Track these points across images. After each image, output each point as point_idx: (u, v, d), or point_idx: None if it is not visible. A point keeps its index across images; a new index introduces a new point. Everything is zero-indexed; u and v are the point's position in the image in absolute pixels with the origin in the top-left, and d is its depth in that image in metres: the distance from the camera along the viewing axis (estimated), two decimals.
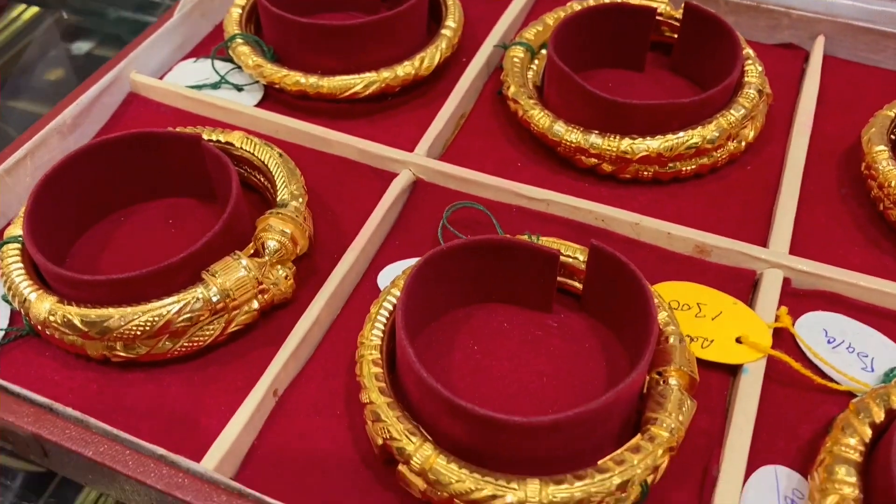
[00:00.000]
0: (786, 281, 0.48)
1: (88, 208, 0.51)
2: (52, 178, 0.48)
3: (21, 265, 0.45)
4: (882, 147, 0.51)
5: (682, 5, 0.60)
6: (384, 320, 0.43)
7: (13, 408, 0.40)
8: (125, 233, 0.51)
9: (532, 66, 0.60)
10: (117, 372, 0.45)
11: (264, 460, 0.42)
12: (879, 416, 0.39)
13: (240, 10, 0.62)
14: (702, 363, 0.44)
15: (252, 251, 0.46)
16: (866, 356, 0.45)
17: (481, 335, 0.46)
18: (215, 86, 0.60)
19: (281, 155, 0.50)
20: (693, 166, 0.54)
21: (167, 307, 0.42)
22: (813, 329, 0.46)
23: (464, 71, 0.61)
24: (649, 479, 0.38)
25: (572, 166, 0.55)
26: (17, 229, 0.47)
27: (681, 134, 0.52)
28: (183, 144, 0.50)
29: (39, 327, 0.44)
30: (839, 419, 0.40)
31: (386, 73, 0.57)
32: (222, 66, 0.61)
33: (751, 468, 0.40)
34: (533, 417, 0.37)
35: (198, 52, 0.65)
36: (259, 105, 0.60)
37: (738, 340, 0.45)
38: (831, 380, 0.44)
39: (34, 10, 0.88)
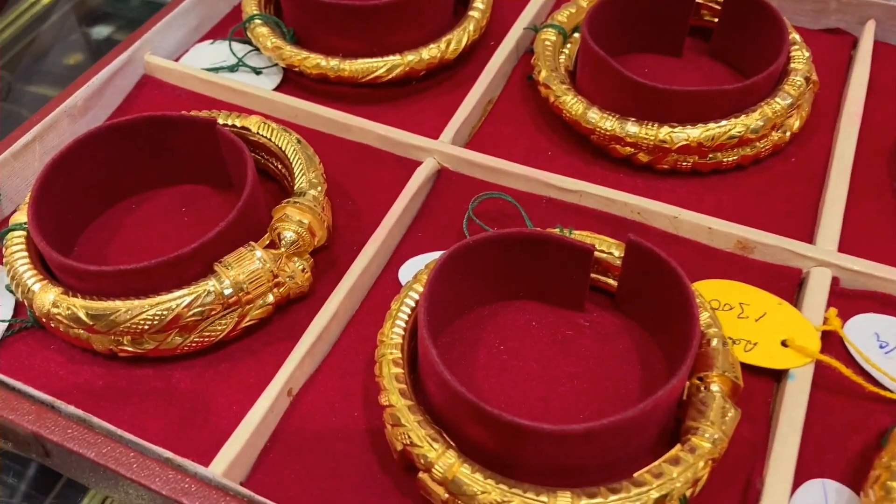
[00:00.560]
0: (834, 280, 0.45)
1: (98, 195, 0.49)
2: (59, 163, 0.45)
3: (25, 254, 0.43)
4: None
5: None
6: (405, 317, 0.41)
7: (13, 405, 0.38)
8: (136, 221, 0.49)
9: (564, 49, 0.57)
10: (124, 367, 0.43)
11: (277, 464, 0.39)
12: None
13: None
14: (744, 367, 0.41)
15: (267, 242, 0.43)
16: None
17: (508, 334, 0.44)
18: (232, 68, 0.58)
19: (299, 141, 0.48)
20: (735, 157, 0.51)
21: (177, 300, 0.40)
22: (864, 332, 0.43)
23: (491, 54, 0.59)
24: (688, 493, 0.36)
25: (606, 156, 0.52)
26: (22, 216, 0.45)
27: (723, 123, 0.49)
28: (197, 129, 0.48)
29: (44, 319, 0.42)
30: (895, 431, 0.37)
31: (410, 57, 0.55)
32: (240, 49, 0.59)
33: (797, 482, 0.38)
34: (564, 425, 0.34)
35: (215, 33, 0.62)
36: (278, 89, 0.57)
37: (784, 344, 0.42)
38: (884, 387, 0.41)
39: None
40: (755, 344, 0.42)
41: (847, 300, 0.44)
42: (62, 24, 0.86)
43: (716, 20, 0.59)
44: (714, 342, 0.39)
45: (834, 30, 0.61)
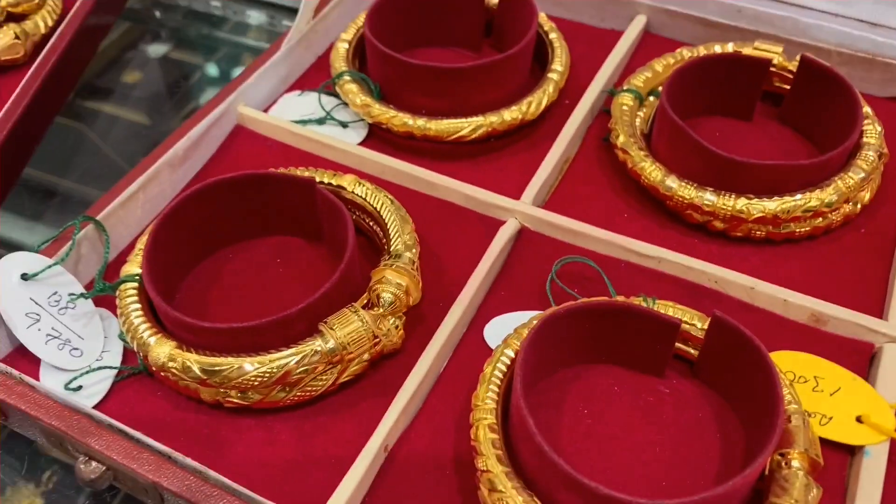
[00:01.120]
0: None
1: (200, 245, 0.51)
2: (170, 216, 0.48)
3: (139, 305, 0.46)
4: None
5: (799, 57, 0.58)
6: (498, 381, 0.43)
7: (134, 454, 0.41)
8: (234, 270, 0.52)
9: (639, 113, 0.59)
10: (229, 416, 0.45)
11: None
12: None
13: (346, 45, 0.63)
14: (819, 439, 0.43)
15: (365, 301, 0.46)
16: None
17: (591, 398, 0.46)
18: (320, 121, 0.60)
19: (392, 202, 0.50)
20: (807, 228, 0.53)
21: (286, 359, 0.42)
22: None
23: (565, 113, 0.61)
24: None
25: (681, 220, 0.54)
26: (133, 267, 0.48)
27: (798, 196, 0.51)
28: (296, 186, 0.50)
29: (155, 369, 0.45)
30: None
31: (493, 118, 0.57)
32: (327, 101, 0.61)
33: None
34: (658, 500, 0.36)
35: (301, 83, 0.65)
36: (363, 143, 0.60)
37: (859, 419, 0.44)
38: None
39: None
40: (830, 418, 0.44)
41: None
42: (120, 41, 0.89)
43: (787, 87, 0.60)
44: (794, 419, 0.41)
45: None
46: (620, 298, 0.46)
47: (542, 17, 0.64)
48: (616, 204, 0.56)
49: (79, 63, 0.69)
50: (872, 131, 0.55)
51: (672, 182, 0.53)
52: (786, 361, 0.46)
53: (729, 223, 0.52)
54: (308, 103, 0.62)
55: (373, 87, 0.60)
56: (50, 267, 0.48)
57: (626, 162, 0.56)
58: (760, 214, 0.51)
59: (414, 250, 0.48)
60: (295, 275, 0.52)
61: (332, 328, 0.43)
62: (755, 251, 0.53)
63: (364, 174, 0.57)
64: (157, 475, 0.40)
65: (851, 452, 0.44)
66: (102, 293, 0.48)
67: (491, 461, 0.40)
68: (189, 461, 0.40)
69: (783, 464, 0.40)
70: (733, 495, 0.38)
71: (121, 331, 0.47)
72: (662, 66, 0.61)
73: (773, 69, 0.60)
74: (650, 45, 0.68)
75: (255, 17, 0.90)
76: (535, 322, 0.45)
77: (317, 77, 0.66)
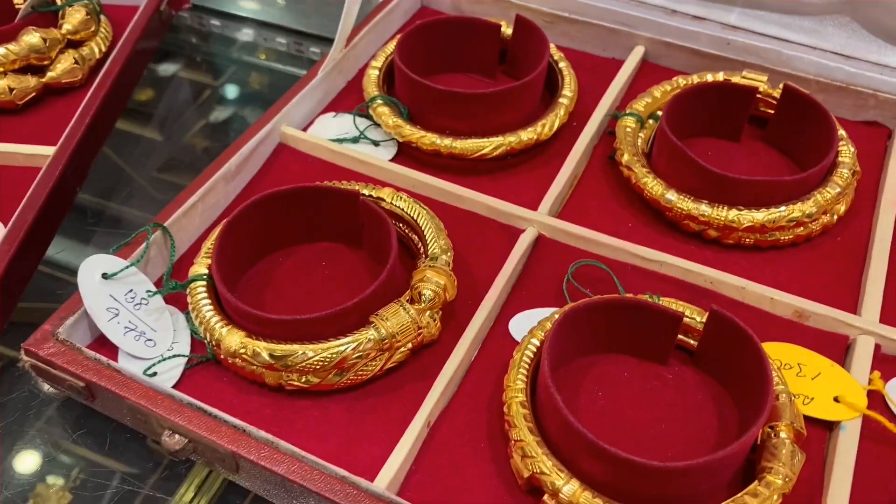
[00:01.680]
0: (876, 347, 0.54)
1: (255, 249, 0.58)
2: (233, 223, 0.55)
3: (209, 301, 0.52)
4: None
5: (782, 86, 0.66)
6: (527, 366, 0.50)
7: (213, 427, 0.47)
8: (285, 272, 0.58)
9: (640, 134, 0.66)
10: (288, 399, 0.51)
11: (421, 484, 0.48)
12: None
13: (377, 72, 0.70)
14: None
15: (408, 297, 0.52)
16: None
17: (604, 382, 0.52)
18: (355, 140, 0.67)
19: (428, 211, 0.57)
20: (790, 236, 0.60)
21: (344, 346, 0.49)
22: None
23: (573, 134, 0.68)
24: None
25: (679, 229, 0.61)
26: (201, 268, 0.54)
27: (783, 208, 0.58)
28: (342, 198, 0.57)
29: (222, 356, 0.51)
30: None
31: (511, 138, 0.64)
32: (360, 122, 0.68)
33: None
34: (669, 462, 0.43)
35: (335, 105, 0.72)
36: (393, 159, 0.66)
37: (836, 399, 0.51)
38: None
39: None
40: (812, 399, 0.51)
41: (888, 364, 0.53)
42: None
43: (771, 112, 0.68)
44: (782, 397, 0.48)
45: (871, 122, 0.71)
46: (630, 296, 0.53)
47: (552, 48, 0.71)
48: (621, 215, 0.63)
49: (129, 85, 0.75)
50: (847, 151, 0.62)
51: (671, 195, 0.60)
52: (773, 351, 0.53)
53: (722, 231, 0.59)
54: (341, 124, 0.69)
55: (402, 109, 0.67)
56: (127, 267, 0.54)
57: (630, 178, 0.63)
58: (750, 224, 0.58)
59: (449, 254, 0.55)
60: (338, 276, 0.58)
61: (383, 319, 0.50)
62: (744, 256, 0.60)
63: (396, 188, 0.63)
64: (236, 445, 0.46)
65: (829, 428, 0.51)
66: (174, 291, 0.55)
67: (523, 432, 0.46)
68: (262, 433, 0.47)
69: (772, 434, 0.47)
70: (732, 460, 0.45)
71: (192, 323, 0.53)
72: (661, 92, 0.68)
73: (759, 96, 0.67)
74: (648, 73, 0.75)
75: (250, 34, 0.96)
76: (557, 315, 0.52)
77: (347, 99, 0.72)
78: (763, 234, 0.59)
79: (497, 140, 0.64)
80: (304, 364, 0.48)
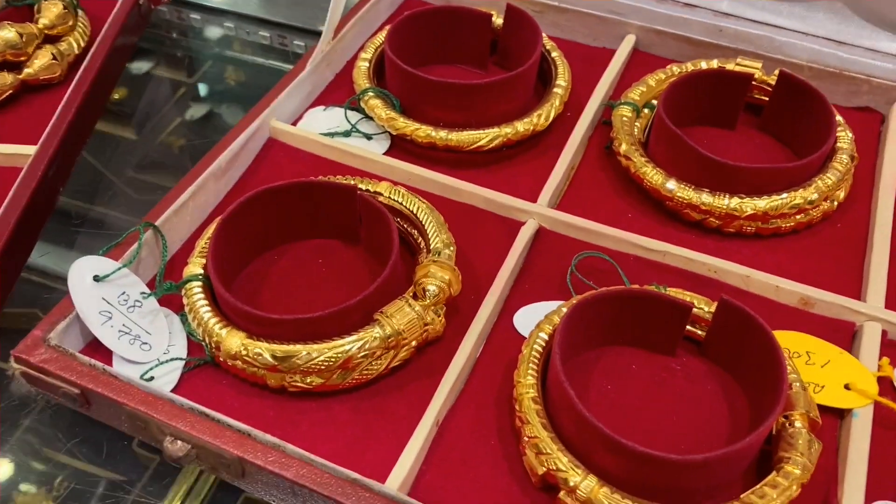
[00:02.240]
0: (883, 333, 0.53)
1: (250, 246, 0.56)
2: (227, 221, 0.53)
3: (206, 301, 0.51)
4: None
5: (777, 72, 0.65)
6: (536, 360, 0.49)
7: (217, 432, 0.45)
8: (281, 269, 0.57)
9: (636, 123, 0.66)
10: (291, 401, 0.50)
11: (432, 484, 0.47)
12: None
13: (367, 64, 0.68)
14: None
15: (412, 294, 0.51)
16: None
17: (613, 375, 0.52)
18: (346, 134, 0.65)
19: (428, 206, 0.56)
20: (791, 223, 0.59)
21: (349, 344, 0.47)
22: None
23: (568, 124, 0.67)
24: None
25: (680, 219, 0.61)
26: (196, 268, 0.52)
27: (784, 195, 0.58)
28: (339, 193, 0.55)
29: (222, 358, 0.49)
30: None
31: (507, 129, 0.63)
32: (350, 115, 0.67)
33: (867, 502, 0.46)
34: (687, 455, 0.42)
35: (323, 99, 0.70)
36: (387, 153, 0.65)
37: (847, 387, 0.50)
38: None
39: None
40: (822, 387, 0.51)
41: None
42: None
43: (766, 99, 0.67)
44: (795, 387, 0.47)
45: (864, 108, 0.71)
46: (636, 287, 0.52)
47: (544, 38, 0.70)
48: (619, 205, 0.63)
49: (110, 81, 0.73)
50: (845, 137, 0.62)
51: (672, 185, 0.59)
52: (781, 339, 0.52)
53: (723, 220, 0.59)
54: (331, 117, 0.67)
55: (394, 101, 0.66)
56: (119, 269, 0.52)
57: (628, 167, 0.62)
58: (752, 212, 0.58)
59: (452, 248, 0.53)
60: (335, 273, 0.57)
61: (388, 317, 0.48)
62: (746, 244, 0.60)
63: (393, 182, 0.62)
64: (242, 450, 0.45)
65: (841, 416, 0.50)
66: (168, 292, 0.53)
67: (537, 428, 0.45)
68: (269, 437, 0.45)
69: (787, 424, 0.46)
70: (749, 451, 0.44)
71: (188, 325, 0.51)
72: (655, 80, 0.67)
73: (754, 83, 0.67)
74: (640, 62, 0.74)
75: (231, 28, 0.93)
76: (565, 308, 0.51)
77: (336, 92, 0.71)
78: (765, 222, 0.59)
79: (493, 131, 0.63)
80: (308, 365, 0.47)
